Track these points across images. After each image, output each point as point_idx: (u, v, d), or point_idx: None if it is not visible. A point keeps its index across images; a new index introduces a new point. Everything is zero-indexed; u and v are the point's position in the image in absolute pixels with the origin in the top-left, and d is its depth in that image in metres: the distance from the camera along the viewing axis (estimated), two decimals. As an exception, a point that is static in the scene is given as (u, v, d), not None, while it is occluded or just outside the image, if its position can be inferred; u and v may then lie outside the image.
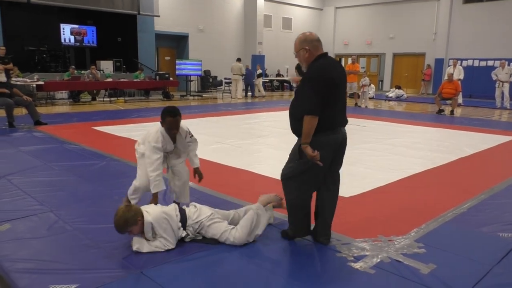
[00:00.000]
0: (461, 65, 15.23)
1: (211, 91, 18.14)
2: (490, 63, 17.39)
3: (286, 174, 3.02)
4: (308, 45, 2.86)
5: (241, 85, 16.36)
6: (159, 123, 3.46)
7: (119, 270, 2.59)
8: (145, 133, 3.58)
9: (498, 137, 7.96)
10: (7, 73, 9.98)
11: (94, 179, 4.63)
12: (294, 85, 12.99)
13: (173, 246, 2.89)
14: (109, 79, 13.67)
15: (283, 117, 10.95)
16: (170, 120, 3.42)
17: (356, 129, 8.93)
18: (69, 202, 3.86)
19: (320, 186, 3.04)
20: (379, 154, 6.29)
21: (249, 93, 17.14)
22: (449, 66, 15.41)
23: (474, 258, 2.89)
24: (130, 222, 2.82)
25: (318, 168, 2.82)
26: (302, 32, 3.00)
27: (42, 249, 2.90)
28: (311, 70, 2.86)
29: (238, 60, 16.37)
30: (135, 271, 2.59)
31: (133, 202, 3.46)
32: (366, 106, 13.48)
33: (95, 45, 15.35)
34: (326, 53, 2.91)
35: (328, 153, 2.86)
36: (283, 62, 21.38)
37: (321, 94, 2.74)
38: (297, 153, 2.89)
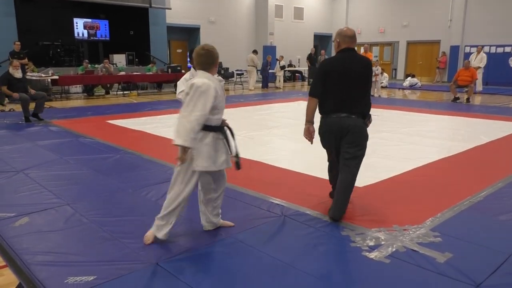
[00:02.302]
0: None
1: (223, 83, 18.12)
2: (507, 49, 17.00)
3: None
4: (339, 38, 3.34)
5: (254, 76, 16.32)
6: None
7: (135, 262, 2.63)
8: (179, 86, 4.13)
9: (516, 125, 7.80)
10: (22, 68, 10.10)
11: (109, 172, 4.69)
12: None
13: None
14: (122, 73, 13.77)
15: (295, 107, 10.95)
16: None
17: (370, 119, 8.84)
18: (85, 195, 3.92)
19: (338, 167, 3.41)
20: (393, 143, 6.22)
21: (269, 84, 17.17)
22: (469, 53, 15.09)
23: (491, 246, 2.86)
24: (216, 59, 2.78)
25: (324, 142, 3.43)
26: (345, 27, 3.49)
27: (60, 242, 2.96)
28: (319, 63, 3.45)
29: (254, 52, 16.37)
30: (151, 262, 2.62)
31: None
32: (379, 95, 13.32)
33: (108, 39, 15.45)
34: (347, 48, 3.31)
35: (326, 132, 3.33)
36: (295, 52, 21.21)
37: (319, 82, 3.30)
38: None
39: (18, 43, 11.50)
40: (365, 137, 3.32)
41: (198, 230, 3.14)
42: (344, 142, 3.24)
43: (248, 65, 16.16)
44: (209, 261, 2.67)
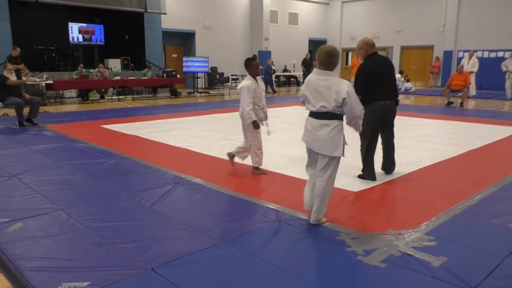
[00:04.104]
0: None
1: (218, 88, 18.15)
2: (500, 54, 17.15)
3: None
4: (366, 46, 4.40)
5: None
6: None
7: (130, 268, 2.61)
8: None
9: (509, 129, 7.87)
10: (18, 73, 10.03)
11: (104, 177, 4.67)
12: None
13: None
14: (117, 77, 13.74)
15: (289, 112, 10.96)
16: (255, 62, 4.67)
17: (365, 123, 8.86)
18: (79, 200, 3.90)
19: (380, 140, 4.63)
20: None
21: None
22: (462, 58, 15.18)
23: (485, 250, 2.87)
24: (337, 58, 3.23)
25: (371, 125, 4.33)
26: (366, 37, 4.59)
27: (54, 247, 2.94)
28: (360, 66, 4.42)
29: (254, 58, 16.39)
30: (146, 268, 2.61)
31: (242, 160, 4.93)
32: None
33: (103, 43, 15.42)
34: (375, 53, 4.42)
35: (375, 116, 4.35)
36: (290, 57, 21.29)
37: (363, 81, 4.31)
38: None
39: (18, 49, 11.37)
40: None
41: (192, 235, 3.13)
42: (388, 121, 4.47)
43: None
44: (204, 266, 2.66)
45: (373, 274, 2.57)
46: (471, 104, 12.74)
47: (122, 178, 4.63)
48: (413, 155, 5.74)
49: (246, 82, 4.61)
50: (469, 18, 18.25)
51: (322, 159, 3.20)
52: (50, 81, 11.84)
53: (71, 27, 14.48)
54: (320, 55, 3.19)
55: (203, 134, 7.36)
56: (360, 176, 4.58)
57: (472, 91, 14.16)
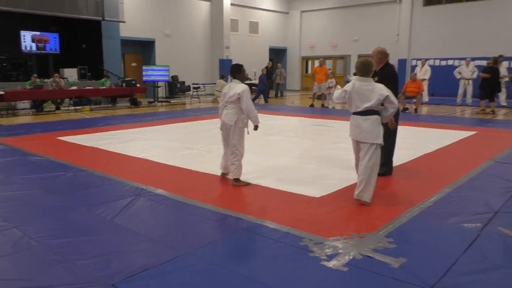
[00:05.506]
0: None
1: (179, 97, 17.97)
2: (450, 62, 18.05)
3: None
4: (381, 55, 4.79)
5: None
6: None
7: (90, 284, 2.52)
8: (231, 94, 4.52)
9: (460, 133, 8.27)
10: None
11: (60, 191, 4.49)
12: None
13: None
14: (74, 87, 13.32)
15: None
16: (244, 68, 4.70)
17: (324, 130, 9.07)
18: (34, 216, 3.73)
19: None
20: (348, 152, 6.39)
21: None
22: (415, 66, 15.80)
23: (441, 249, 3.00)
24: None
25: (396, 124, 4.75)
26: (380, 46, 4.92)
27: (7, 267, 2.79)
28: (390, 71, 4.81)
29: (222, 77, 16.49)
30: (107, 284, 2.53)
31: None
32: (333, 107, 13.71)
33: (58, 52, 14.91)
34: (388, 61, 4.83)
35: (398, 116, 4.79)
36: (251, 66, 21.39)
37: (396, 83, 4.68)
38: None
39: None
40: None
41: (155, 247, 3.07)
42: None
43: (217, 90, 16.30)
44: (168, 279, 2.61)
45: (336, 278, 2.62)
46: (424, 109, 13.30)
47: (80, 191, 4.48)
48: (372, 160, 5.91)
49: (243, 86, 4.48)
50: (421, 28, 19.12)
51: (364, 146, 3.97)
52: (1, 92, 11.30)
53: (24, 36, 13.89)
54: (357, 66, 3.99)
55: (164, 144, 7.25)
56: (383, 174, 4.88)
57: (425, 97, 14.78)
